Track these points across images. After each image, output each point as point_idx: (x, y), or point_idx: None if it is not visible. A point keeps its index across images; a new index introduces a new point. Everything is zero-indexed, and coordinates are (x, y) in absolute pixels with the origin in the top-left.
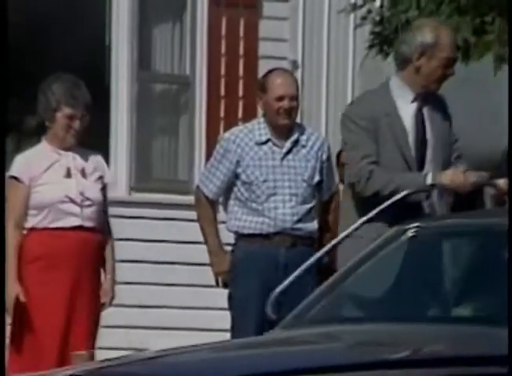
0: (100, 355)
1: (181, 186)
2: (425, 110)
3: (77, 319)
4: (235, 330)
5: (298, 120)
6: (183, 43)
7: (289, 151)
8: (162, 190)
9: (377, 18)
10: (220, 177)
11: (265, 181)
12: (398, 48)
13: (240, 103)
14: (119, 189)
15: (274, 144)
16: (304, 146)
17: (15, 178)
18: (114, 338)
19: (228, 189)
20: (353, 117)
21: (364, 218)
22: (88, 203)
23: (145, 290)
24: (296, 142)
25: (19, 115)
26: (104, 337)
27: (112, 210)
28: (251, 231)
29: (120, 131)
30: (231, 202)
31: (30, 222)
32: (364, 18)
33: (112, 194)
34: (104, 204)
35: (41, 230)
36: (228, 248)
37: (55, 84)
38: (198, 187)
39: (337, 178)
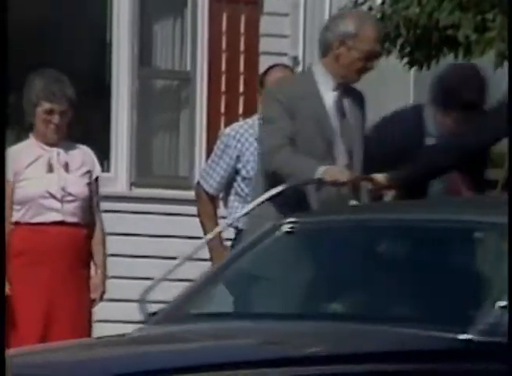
0: None
1: (181, 181)
2: (345, 101)
3: (59, 314)
4: None
5: None
6: (184, 39)
7: None
8: (163, 186)
9: (378, 15)
10: (220, 172)
11: None
12: (321, 35)
13: (241, 99)
14: (119, 185)
15: None
16: None
17: None
18: (114, 332)
19: (228, 185)
20: (274, 94)
21: (259, 199)
22: (70, 198)
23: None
24: None
25: (19, 111)
26: (105, 331)
27: (112, 205)
28: None
29: (120, 127)
30: (231, 197)
31: (14, 217)
32: None
33: (112, 189)
34: (92, 199)
35: (23, 225)
36: (229, 244)
37: (35, 80)
38: (198, 183)
39: None
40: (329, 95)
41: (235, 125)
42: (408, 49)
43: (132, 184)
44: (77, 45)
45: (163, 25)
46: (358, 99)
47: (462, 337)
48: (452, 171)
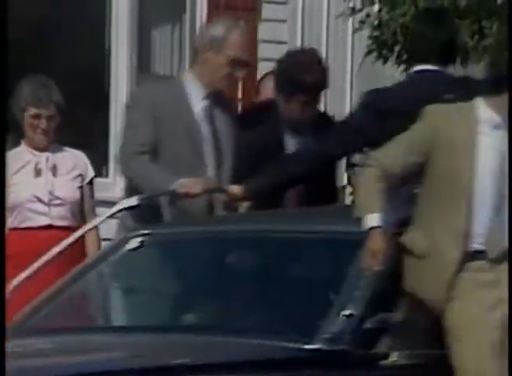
0: None
1: None
2: (214, 109)
3: None
4: None
5: None
6: (182, 45)
7: None
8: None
9: (376, 22)
10: None
11: None
12: (193, 41)
13: (239, 105)
14: (118, 190)
15: None
16: None
17: None
18: None
19: None
20: (139, 98)
21: (113, 210)
22: (57, 202)
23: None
24: None
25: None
26: None
27: (110, 210)
28: None
29: (119, 132)
30: None
31: (9, 223)
32: (362, 22)
33: (110, 194)
34: (88, 202)
35: (12, 230)
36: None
37: (23, 86)
38: None
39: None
40: (198, 103)
41: None
42: (405, 56)
43: None
44: (75, 51)
45: (161, 31)
46: (228, 107)
47: (308, 346)
48: (305, 182)
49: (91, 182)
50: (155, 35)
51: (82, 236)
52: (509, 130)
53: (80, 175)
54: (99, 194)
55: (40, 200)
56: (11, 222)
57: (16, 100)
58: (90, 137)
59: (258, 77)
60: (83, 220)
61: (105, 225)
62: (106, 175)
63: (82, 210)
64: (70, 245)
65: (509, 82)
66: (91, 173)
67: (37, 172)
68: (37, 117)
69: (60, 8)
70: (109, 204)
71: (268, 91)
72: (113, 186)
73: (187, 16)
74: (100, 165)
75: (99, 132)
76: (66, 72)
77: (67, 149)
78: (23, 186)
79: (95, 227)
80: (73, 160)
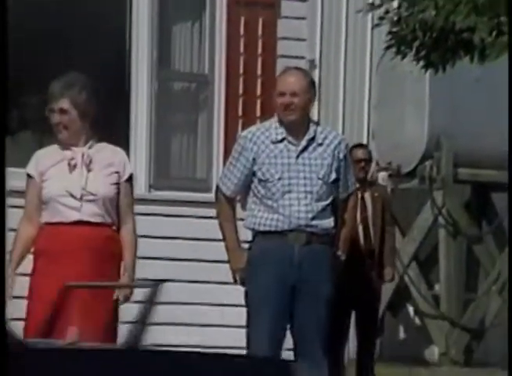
0: None
1: (199, 183)
2: None
3: (80, 313)
4: (251, 327)
5: (315, 118)
6: (202, 42)
7: (304, 149)
8: (181, 188)
9: (395, 18)
10: (237, 175)
11: (280, 178)
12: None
13: (258, 102)
14: (138, 187)
15: (289, 142)
16: (320, 144)
17: (28, 175)
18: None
19: (246, 188)
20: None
21: None
22: (90, 197)
23: (165, 286)
24: (312, 139)
25: (40, 112)
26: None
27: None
28: (267, 228)
29: (139, 130)
30: (249, 199)
31: (42, 218)
32: (382, 18)
33: None
34: (124, 200)
35: (45, 225)
36: (247, 246)
37: (52, 84)
38: (218, 185)
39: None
40: None
41: (252, 128)
42: (424, 52)
43: (151, 186)
44: (96, 48)
45: (181, 28)
46: None
47: None
48: None
49: (129, 180)
50: (175, 32)
51: (116, 236)
52: (509, 129)
53: (116, 172)
54: None
55: (72, 195)
56: (44, 216)
57: (46, 98)
58: (110, 133)
59: (278, 73)
60: (118, 217)
61: (138, 223)
62: None
63: (117, 207)
64: (105, 243)
65: (509, 80)
66: (129, 170)
67: (72, 167)
68: (51, 111)
69: (82, 6)
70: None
71: (279, 84)
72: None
73: (207, 13)
74: None
75: (119, 130)
76: (87, 69)
77: (107, 145)
78: (55, 180)
79: (133, 226)
80: (111, 157)
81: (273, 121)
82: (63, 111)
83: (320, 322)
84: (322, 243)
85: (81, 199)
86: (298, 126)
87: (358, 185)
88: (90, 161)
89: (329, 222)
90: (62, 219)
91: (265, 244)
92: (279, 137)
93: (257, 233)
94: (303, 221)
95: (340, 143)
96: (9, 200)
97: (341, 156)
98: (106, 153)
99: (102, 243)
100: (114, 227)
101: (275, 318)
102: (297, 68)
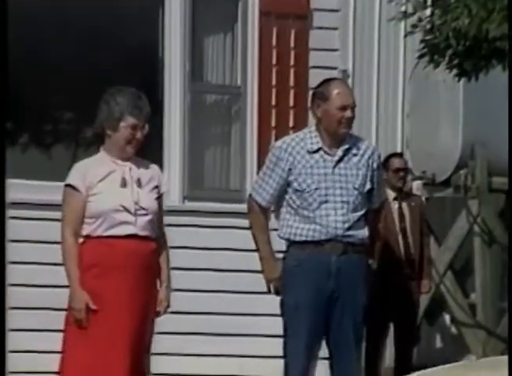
0: (157, 361)
1: (233, 194)
2: None
3: (133, 326)
4: (287, 337)
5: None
6: (234, 54)
7: (340, 159)
8: (214, 199)
9: (428, 26)
10: (273, 185)
11: (316, 189)
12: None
13: (291, 112)
14: (172, 198)
15: (325, 152)
16: (355, 155)
17: (72, 186)
18: (166, 345)
19: (279, 198)
20: None
21: None
22: (142, 212)
23: (197, 297)
24: (347, 150)
25: (75, 125)
26: (157, 343)
27: (166, 219)
28: (303, 238)
29: (173, 141)
30: (283, 209)
31: (85, 231)
32: (414, 26)
33: (165, 203)
34: (159, 214)
35: (96, 238)
36: (280, 256)
37: (119, 95)
38: (251, 195)
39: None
40: None
41: (286, 138)
42: (457, 61)
43: (185, 198)
44: (129, 62)
45: (214, 40)
46: None
47: None
48: None
49: (162, 194)
50: (207, 44)
51: (158, 249)
52: (509, 128)
53: (156, 187)
54: None
55: (127, 210)
56: (93, 229)
57: (107, 110)
58: (144, 146)
59: (310, 84)
60: (158, 231)
61: (172, 234)
62: None
63: (158, 221)
64: (154, 257)
65: (509, 82)
66: (164, 185)
67: (123, 182)
68: (134, 127)
69: (115, 17)
70: (165, 212)
71: (339, 97)
72: (167, 194)
73: (239, 24)
74: None
75: (153, 141)
76: (121, 82)
77: (142, 160)
78: (108, 194)
79: (166, 238)
80: (151, 172)
81: (307, 131)
82: (143, 128)
83: (357, 332)
84: (357, 252)
85: (135, 214)
86: (343, 138)
87: (395, 194)
88: (138, 176)
89: (364, 232)
90: (116, 233)
91: (302, 254)
92: (315, 147)
93: (292, 243)
94: (340, 231)
95: (373, 153)
96: (49, 214)
97: (375, 166)
98: (145, 167)
99: (150, 256)
100: (157, 241)
101: (312, 328)
102: (342, 79)
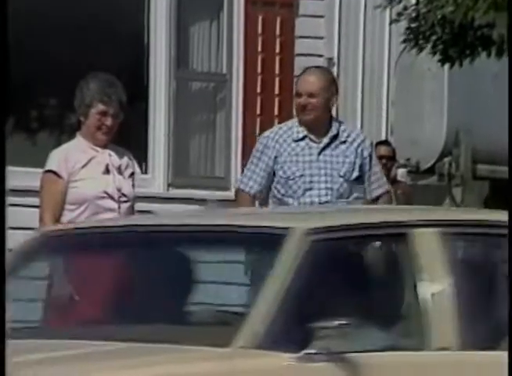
0: None
1: (218, 182)
2: None
3: None
4: None
5: (334, 115)
6: (220, 41)
7: (326, 146)
8: (199, 186)
9: (413, 14)
10: (260, 173)
11: (301, 176)
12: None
13: (276, 100)
14: (157, 185)
15: (311, 140)
16: (343, 142)
17: (53, 172)
18: None
19: (268, 187)
20: None
21: None
22: (124, 199)
23: None
24: (334, 137)
25: (59, 111)
26: None
27: (150, 205)
28: None
29: (158, 128)
30: (269, 199)
31: (67, 217)
32: (400, 14)
33: (150, 190)
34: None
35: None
36: None
37: (91, 82)
38: (239, 187)
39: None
40: None
41: (274, 128)
42: (441, 46)
43: (169, 185)
44: (115, 48)
45: (199, 28)
46: None
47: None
48: None
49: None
50: (193, 31)
51: None
52: (509, 129)
53: (132, 174)
54: (139, 190)
55: (111, 197)
56: (76, 216)
57: (79, 95)
58: (129, 133)
59: (296, 71)
60: None
61: None
62: (146, 172)
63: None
64: None
65: (509, 79)
66: (138, 171)
67: (106, 169)
68: (104, 114)
69: (100, 6)
70: (149, 199)
71: (298, 84)
72: (152, 181)
73: (224, 12)
74: (140, 161)
75: (137, 128)
76: (106, 68)
77: (117, 147)
78: (91, 181)
79: None
80: (126, 159)
81: (294, 121)
82: (115, 115)
83: None
84: None
85: (118, 201)
86: (317, 125)
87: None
88: (118, 163)
89: None
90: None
91: None
92: (300, 135)
93: None
94: None
95: (363, 141)
96: (30, 200)
97: (365, 154)
98: (121, 154)
99: None
100: None
101: None
102: (317, 67)
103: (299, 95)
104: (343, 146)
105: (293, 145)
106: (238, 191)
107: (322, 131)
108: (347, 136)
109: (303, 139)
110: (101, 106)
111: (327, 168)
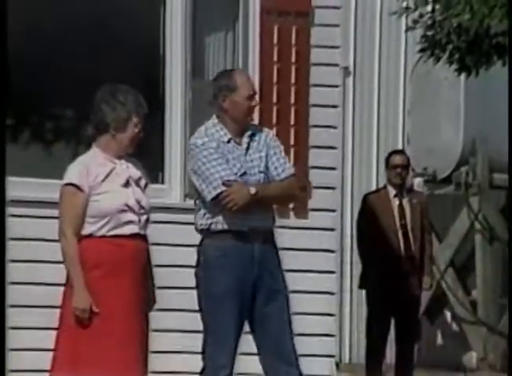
0: (152, 359)
1: None
2: None
3: (139, 326)
4: (210, 329)
5: (350, 125)
6: (236, 52)
7: (248, 147)
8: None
9: (429, 22)
10: (223, 166)
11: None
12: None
13: (292, 110)
14: (173, 196)
15: (235, 142)
16: (254, 140)
17: (74, 185)
18: (165, 342)
19: (195, 189)
20: None
21: None
22: (142, 211)
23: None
24: (250, 137)
25: (75, 123)
26: (157, 341)
27: (166, 216)
28: (226, 227)
29: (174, 139)
30: (198, 201)
31: (87, 230)
32: (416, 21)
33: (166, 200)
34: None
35: (100, 238)
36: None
37: (120, 95)
38: (214, 197)
39: (385, 180)
40: None
41: (200, 133)
42: (457, 55)
43: (186, 195)
44: (131, 59)
45: (215, 38)
46: None
47: None
48: None
49: None
50: (209, 41)
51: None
52: (509, 131)
53: (146, 185)
54: (156, 200)
55: (131, 210)
56: (96, 229)
57: (111, 110)
58: (145, 143)
59: (311, 81)
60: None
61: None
62: (162, 182)
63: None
64: (148, 254)
65: (509, 82)
66: (148, 182)
67: (126, 182)
68: (137, 126)
69: (115, 15)
70: (166, 209)
71: (247, 86)
72: (169, 192)
73: (240, 22)
74: (156, 171)
75: (154, 139)
76: (122, 80)
77: (130, 157)
78: (112, 195)
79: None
80: (140, 170)
81: (211, 125)
82: (143, 127)
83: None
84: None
85: (138, 213)
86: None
87: (395, 191)
88: (137, 175)
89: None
90: (121, 232)
91: (222, 244)
92: (226, 139)
93: (211, 234)
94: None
95: (268, 135)
96: (47, 212)
97: (272, 143)
98: (135, 164)
99: (146, 255)
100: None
101: (237, 319)
102: (238, 69)
103: (251, 97)
104: (255, 144)
105: (223, 146)
106: (215, 198)
107: (241, 133)
108: (254, 133)
109: (228, 141)
110: (136, 119)
111: (255, 167)
